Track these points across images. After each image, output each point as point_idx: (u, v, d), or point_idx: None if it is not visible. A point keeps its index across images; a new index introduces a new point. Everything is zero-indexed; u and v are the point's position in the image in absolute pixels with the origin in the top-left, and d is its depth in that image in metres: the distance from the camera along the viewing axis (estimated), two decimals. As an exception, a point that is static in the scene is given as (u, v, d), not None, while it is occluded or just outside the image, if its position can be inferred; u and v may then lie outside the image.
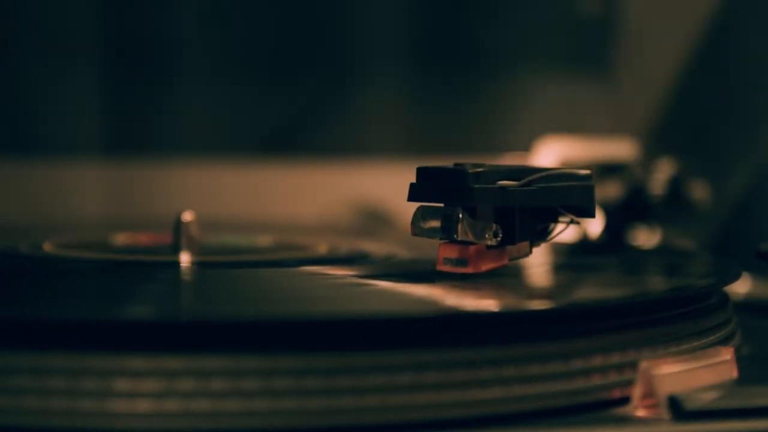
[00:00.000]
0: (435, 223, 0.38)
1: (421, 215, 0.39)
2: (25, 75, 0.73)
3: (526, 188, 0.38)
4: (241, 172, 0.75)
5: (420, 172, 0.39)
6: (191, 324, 0.31)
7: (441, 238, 0.39)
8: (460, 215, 0.38)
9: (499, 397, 0.32)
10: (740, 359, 0.37)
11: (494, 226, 0.38)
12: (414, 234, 0.39)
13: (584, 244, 0.56)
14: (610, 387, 0.33)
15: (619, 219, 0.58)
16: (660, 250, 0.56)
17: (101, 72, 0.73)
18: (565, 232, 0.41)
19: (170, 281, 0.41)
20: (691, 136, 0.72)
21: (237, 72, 0.76)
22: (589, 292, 0.40)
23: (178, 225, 0.46)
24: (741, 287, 0.53)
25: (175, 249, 0.46)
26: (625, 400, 0.33)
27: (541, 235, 0.40)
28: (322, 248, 0.49)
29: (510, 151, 0.71)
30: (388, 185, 0.70)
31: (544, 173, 0.39)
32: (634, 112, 0.76)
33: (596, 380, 0.33)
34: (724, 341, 0.38)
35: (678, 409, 0.32)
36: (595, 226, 0.57)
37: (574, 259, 0.50)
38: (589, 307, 0.35)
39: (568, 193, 0.39)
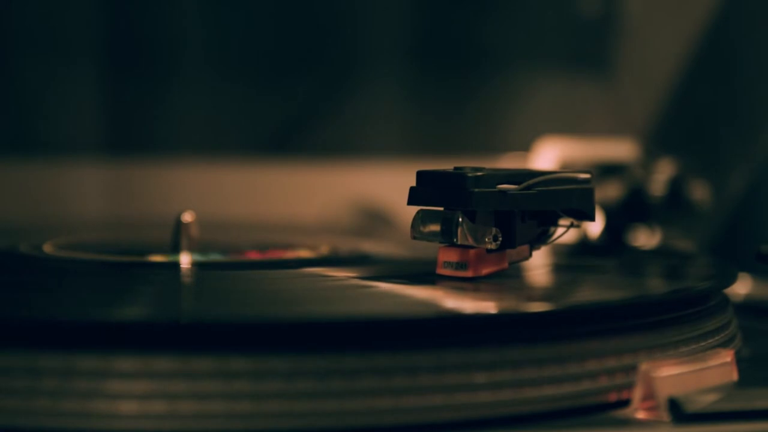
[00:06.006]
0: (435, 227, 0.38)
1: (420, 219, 0.39)
2: (25, 75, 0.73)
3: (525, 192, 0.38)
4: (241, 172, 0.75)
5: (420, 175, 0.39)
6: (190, 325, 0.31)
7: (441, 242, 0.39)
8: (460, 219, 0.38)
9: (498, 399, 0.32)
10: (740, 361, 0.37)
11: (494, 229, 0.38)
12: (414, 238, 0.39)
13: (584, 245, 0.56)
14: (610, 389, 0.34)
15: (619, 219, 0.58)
16: (660, 251, 0.56)
17: (101, 72, 0.73)
18: (565, 234, 0.41)
19: (169, 282, 0.41)
20: (691, 136, 0.72)
21: (237, 72, 0.76)
22: (588, 294, 0.40)
23: (178, 225, 0.46)
24: (741, 288, 0.53)
25: (175, 249, 0.46)
26: (625, 403, 0.33)
27: (540, 238, 0.40)
28: (322, 249, 0.49)
29: (510, 151, 0.71)
30: (388, 185, 0.70)
31: (543, 177, 0.39)
32: (634, 112, 0.76)
33: (596, 382, 0.33)
34: (724, 343, 0.38)
35: (678, 411, 0.32)
36: (595, 226, 0.57)
37: (574, 260, 0.50)
38: (588, 309, 0.35)
39: (567, 196, 0.39)
